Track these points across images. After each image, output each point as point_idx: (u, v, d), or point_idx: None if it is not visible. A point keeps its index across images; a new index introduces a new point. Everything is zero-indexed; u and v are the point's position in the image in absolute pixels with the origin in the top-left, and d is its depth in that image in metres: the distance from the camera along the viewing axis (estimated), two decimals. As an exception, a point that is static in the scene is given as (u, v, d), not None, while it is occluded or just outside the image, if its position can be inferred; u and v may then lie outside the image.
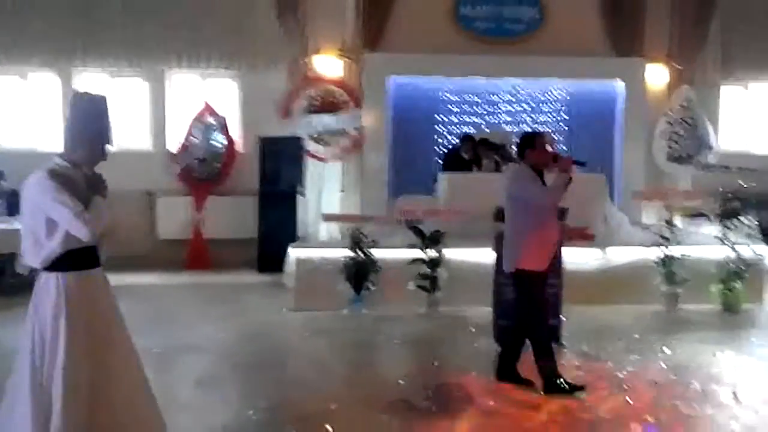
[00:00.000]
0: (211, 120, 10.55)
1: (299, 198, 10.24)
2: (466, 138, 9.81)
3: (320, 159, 10.87)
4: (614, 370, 5.45)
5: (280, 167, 10.20)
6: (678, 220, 8.59)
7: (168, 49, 10.59)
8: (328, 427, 4.25)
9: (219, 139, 10.61)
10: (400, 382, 5.15)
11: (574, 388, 4.85)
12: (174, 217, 10.45)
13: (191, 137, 10.59)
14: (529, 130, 10.51)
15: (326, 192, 10.90)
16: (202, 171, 10.52)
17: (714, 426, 4.38)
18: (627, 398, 4.80)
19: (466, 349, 6.08)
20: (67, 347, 3.09)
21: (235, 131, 10.89)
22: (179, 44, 10.57)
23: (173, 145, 10.74)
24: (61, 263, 3.16)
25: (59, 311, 3.11)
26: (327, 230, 10.67)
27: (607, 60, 10.85)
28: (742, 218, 7.96)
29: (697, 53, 11.08)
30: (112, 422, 3.21)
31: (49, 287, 3.15)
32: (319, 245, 8.27)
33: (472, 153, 9.50)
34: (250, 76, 10.82)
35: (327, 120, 10.74)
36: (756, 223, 8.59)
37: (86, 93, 3.40)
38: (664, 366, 5.59)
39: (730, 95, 11.60)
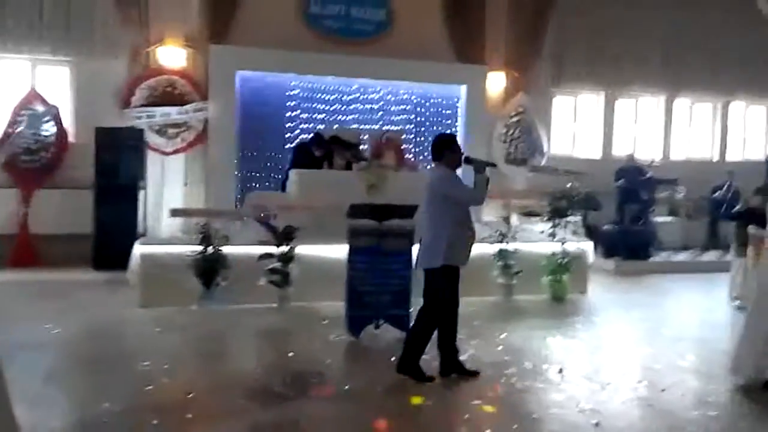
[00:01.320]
0: (39, 108, 10.06)
1: (140, 192, 10.06)
2: (317, 136, 10.13)
3: (162, 152, 10.75)
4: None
5: (118, 160, 9.91)
6: (514, 218, 9.50)
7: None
8: (188, 415, 4.42)
9: (48, 129, 10.14)
10: (257, 370, 5.40)
11: (469, 372, 5.40)
12: (-5, 209, 9.86)
13: (16, 126, 10.04)
14: (379, 129, 11.10)
15: (169, 186, 10.80)
16: (29, 161, 10.01)
17: (543, 397, 5.06)
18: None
19: (320, 340, 6.42)
20: None
21: (68, 121, 10.45)
22: (5, 28, 9.99)
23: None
24: None
25: None
26: (169, 225, 10.60)
27: (452, 66, 11.68)
28: (568, 217, 8.97)
29: (532, 63, 12.26)
30: None
31: None
32: (166, 241, 8.22)
33: (323, 150, 9.85)
34: (85, 64, 10.47)
35: (170, 112, 10.67)
36: (580, 220, 9.74)
37: None
38: (500, 349, 6.27)
39: (561, 104, 12.91)
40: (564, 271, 8.53)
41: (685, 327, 7.42)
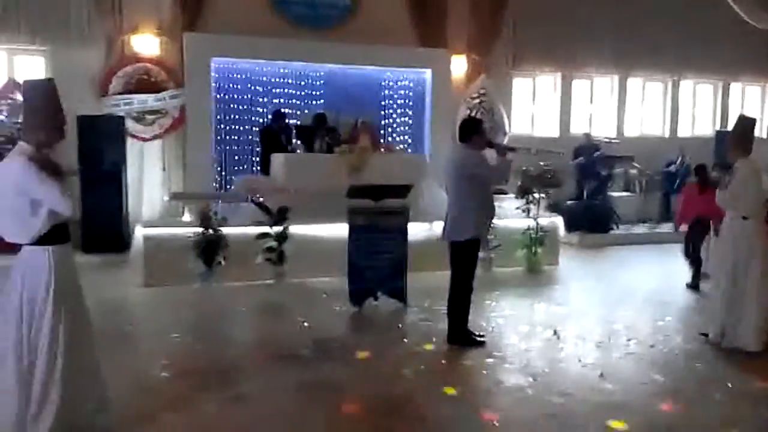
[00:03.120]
0: (19, 98, 10.08)
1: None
2: (277, 112, 10.53)
3: (141, 138, 10.96)
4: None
5: (101, 146, 10.11)
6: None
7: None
8: (236, 374, 4.87)
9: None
10: (281, 339, 5.87)
11: (476, 341, 5.87)
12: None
13: (-4, 116, 10.10)
14: (331, 113, 11.43)
15: (147, 171, 11.03)
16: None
17: (547, 355, 5.66)
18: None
19: (326, 311, 6.91)
20: (53, 316, 3.54)
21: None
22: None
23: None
24: (48, 238, 3.60)
25: (49, 281, 3.55)
26: (150, 209, 10.88)
27: (417, 50, 12.16)
28: (534, 193, 9.59)
29: (492, 46, 12.85)
30: (80, 387, 3.67)
31: (38, 260, 3.57)
32: (167, 224, 8.53)
33: (284, 126, 10.26)
34: (62, 54, 10.57)
35: (147, 99, 10.87)
36: (544, 196, 10.35)
37: (34, 80, 3.74)
38: (494, 315, 6.87)
39: (520, 85, 13.58)
40: (538, 245, 9.19)
41: (655, 292, 8.13)
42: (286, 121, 10.68)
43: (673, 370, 5.33)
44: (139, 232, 8.02)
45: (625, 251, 11.15)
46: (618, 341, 6.08)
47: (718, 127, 15.23)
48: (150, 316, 6.71)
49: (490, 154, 5.97)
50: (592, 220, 11.89)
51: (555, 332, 6.29)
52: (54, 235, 3.62)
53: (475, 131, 5.88)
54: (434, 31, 12.39)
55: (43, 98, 3.64)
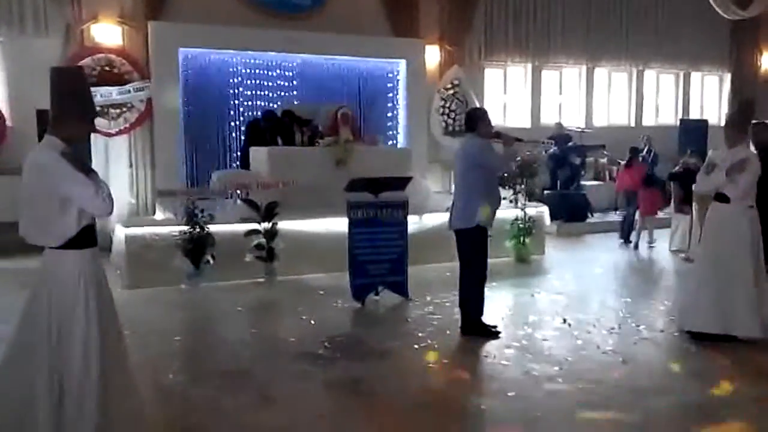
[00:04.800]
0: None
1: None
2: (268, 112, 10.33)
3: (105, 134, 10.56)
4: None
5: (64, 142, 9.67)
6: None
7: None
8: (258, 378, 4.71)
9: (-18, 113, 9.73)
10: (293, 339, 5.70)
11: (491, 332, 5.85)
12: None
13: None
14: (329, 104, 11.31)
15: (113, 168, 10.65)
16: (-36, 147, 9.58)
17: (565, 343, 5.69)
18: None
19: (328, 308, 6.78)
20: (86, 326, 3.27)
21: (2, 104, 10.07)
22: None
23: None
24: (76, 241, 3.30)
25: (78, 286, 3.27)
26: (117, 207, 10.45)
27: (391, 40, 12.08)
28: (519, 183, 9.65)
29: (464, 37, 12.87)
30: (116, 402, 3.41)
31: (65, 264, 3.28)
32: (150, 222, 8.23)
33: (269, 124, 10.05)
34: (18, 44, 10.09)
35: (111, 92, 10.48)
36: (524, 186, 10.41)
37: (64, 68, 3.45)
38: (499, 306, 6.87)
39: (492, 76, 13.66)
40: (526, 234, 9.25)
41: (645, 277, 8.30)
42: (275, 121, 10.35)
43: (688, 353, 5.42)
44: (120, 232, 7.72)
45: (604, 238, 11.35)
46: (628, 327, 6.15)
47: (680, 116, 15.66)
48: (144, 319, 6.40)
49: (497, 144, 5.97)
50: (569, 209, 12.04)
51: (565, 320, 6.32)
52: (82, 237, 3.34)
53: (480, 120, 5.89)
54: (407, 22, 12.32)
55: (75, 86, 3.41)
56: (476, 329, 5.85)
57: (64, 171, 3.23)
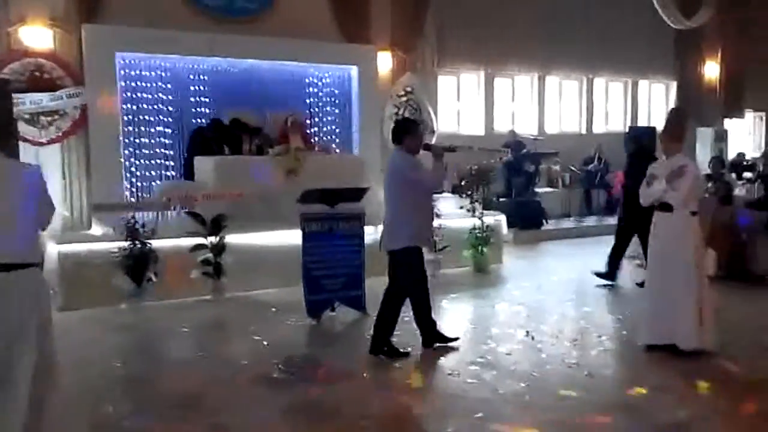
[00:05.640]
0: None
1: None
2: (215, 121, 9.98)
3: (35, 143, 10.02)
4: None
5: (-10, 153, 9.13)
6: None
7: None
8: (212, 407, 4.40)
9: None
10: (245, 362, 5.39)
11: (449, 339, 5.70)
12: None
13: None
14: (276, 111, 11.02)
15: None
16: None
17: (529, 357, 5.53)
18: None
19: (281, 327, 6.48)
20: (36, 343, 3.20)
21: None
22: None
23: None
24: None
25: (33, 306, 3.20)
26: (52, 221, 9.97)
27: (342, 46, 11.83)
28: (471, 192, 9.53)
29: (416, 43, 12.73)
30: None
31: (30, 283, 3.21)
32: (86, 238, 7.78)
33: (217, 135, 9.71)
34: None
35: (41, 98, 9.96)
36: (480, 195, 10.32)
37: None
38: (460, 319, 6.70)
39: (445, 83, 13.57)
40: (485, 244, 9.12)
41: (603, 286, 8.23)
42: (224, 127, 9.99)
43: (651, 364, 5.35)
44: (52, 249, 7.28)
45: (560, 245, 11.34)
46: (590, 339, 6.06)
47: (629, 123, 15.87)
48: (80, 343, 5.97)
49: (428, 157, 5.63)
50: (524, 216, 12.00)
51: (528, 333, 6.17)
52: None
53: (406, 132, 5.52)
54: (357, 27, 12.08)
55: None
56: (387, 350, 5.55)
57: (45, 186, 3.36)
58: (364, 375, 5.14)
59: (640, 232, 7.46)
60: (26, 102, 9.88)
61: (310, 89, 11.89)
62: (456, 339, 5.80)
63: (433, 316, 5.78)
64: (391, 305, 5.61)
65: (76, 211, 10.22)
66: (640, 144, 8.93)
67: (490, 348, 5.76)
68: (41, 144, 10.04)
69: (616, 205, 13.40)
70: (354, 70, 11.94)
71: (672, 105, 16.63)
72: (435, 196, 9.96)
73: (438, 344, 5.72)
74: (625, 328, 6.35)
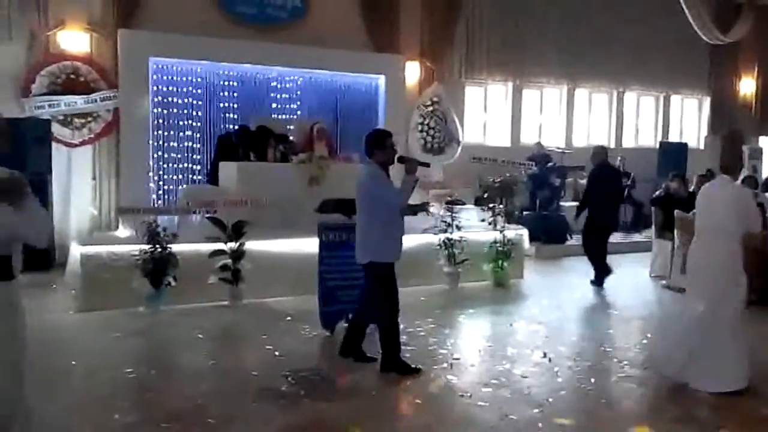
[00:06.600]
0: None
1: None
2: (242, 128, 9.90)
3: (68, 144, 10.07)
4: (437, 345, 6.15)
5: (23, 153, 9.13)
6: (435, 207, 9.67)
7: None
8: (210, 420, 4.25)
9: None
10: (255, 372, 5.25)
11: (411, 369, 5.34)
12: None
13: None
14: (302, 119, 10.92)
15: (75, 181, 10.15)
16: None
17: (546, 381, 5.28)
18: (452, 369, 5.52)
19: (295, 337, 6.32)
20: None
21: (-41, 111, 9.51)
22: None
23: None
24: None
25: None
26: (79, 222, 10.04)
27: (370, 55, 11.73)
28: (494, 205, 9.28)
29: (445, 54, 12.57)
30: None
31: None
32: (108, 241, 7.72)
33: (244, 140, 9.61)
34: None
35: (75, 101, 10.00)
36: (503, 207, 10.08)
37: None
38: (476, 336, 6.47)
39: (472, 94, 13.34)
40: (505, 258, 8.88)
41: (626, 306, 7.94)
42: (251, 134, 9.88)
43: (670, 396, 5.05)
44: (75, 251, 7.22)
45: (580, 261, 10.90)
46: (610, 364, 5.79)
47: (660, 138, 15.46)
48: (94, 347, 5.92)
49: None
50: (548, 231, 11.71)
51: (545, 354, 5.93)
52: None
53: (377, 145, 5.24)
54: (387, 37, 12.01)
55: None
56: (394, 367, 5.32)
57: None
58: (373, 393, 4.95)
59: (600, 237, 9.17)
60: (61, 104, 9.97)
61: (338, 97, 11.78)
62: (374, 359, 5.46)
63: (395, 337, 5.41)
64: (382, 320, 5.39)
65: (105, 210, 10.28)
66: (602, 159, 9.58)
67: (505, 369, 5.53)
68: (73, 145, 10.13)
69: (642, 221, 13.13)
70: (381, 79, 11.81)
71: (705, 121, 16.18)
72: (456, 207, 9.89)
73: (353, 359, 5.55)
74: (645, 353, 6.05)
